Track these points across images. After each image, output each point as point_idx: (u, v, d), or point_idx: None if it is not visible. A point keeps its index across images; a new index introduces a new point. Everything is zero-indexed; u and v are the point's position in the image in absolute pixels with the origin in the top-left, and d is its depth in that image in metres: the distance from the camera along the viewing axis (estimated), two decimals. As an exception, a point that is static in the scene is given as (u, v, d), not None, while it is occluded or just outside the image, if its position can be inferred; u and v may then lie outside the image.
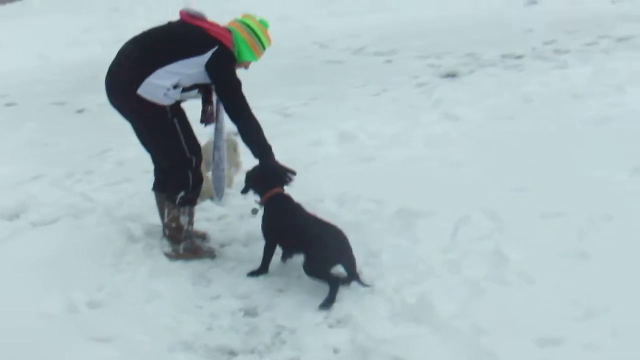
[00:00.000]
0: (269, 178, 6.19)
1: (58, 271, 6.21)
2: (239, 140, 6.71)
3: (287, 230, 6.06)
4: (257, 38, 6.38)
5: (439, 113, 9.26)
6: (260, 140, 6.20)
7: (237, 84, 6.20)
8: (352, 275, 5.74)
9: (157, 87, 6.03)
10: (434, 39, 13.31)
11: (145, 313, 5.68)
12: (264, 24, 6.46)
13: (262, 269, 6.17)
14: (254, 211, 6.27)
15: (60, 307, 5.73)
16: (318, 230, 5.88)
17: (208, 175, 7.29)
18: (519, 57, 11.92)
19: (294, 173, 6.24)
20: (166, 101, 6.11)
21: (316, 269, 5.74)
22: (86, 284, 6.03)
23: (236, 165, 7.83)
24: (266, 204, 6.16)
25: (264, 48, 6.48)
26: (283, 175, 6.20)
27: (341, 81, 11.34)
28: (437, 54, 12.46)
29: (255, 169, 6.25)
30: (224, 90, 6.24)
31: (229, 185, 7.58)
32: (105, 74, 6.36)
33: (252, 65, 6.62)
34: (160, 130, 6.27)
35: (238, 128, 6.23)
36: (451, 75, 11.30)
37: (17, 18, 19.54)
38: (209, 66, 6.10)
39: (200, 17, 6.34)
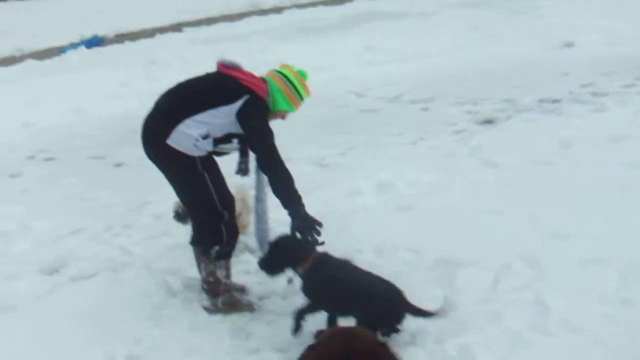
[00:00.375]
0: (299, 249, 6.00)
1: (97, 325, 6.29)
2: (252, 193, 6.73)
3: (337, 294, 5.78)
4: (294, 88, 6.39)
5: (476, 160, 9.21)
6: (291, 191, 6.15)
7: (269, 133, 6.17)
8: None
9: (186, 136, 6.04)
10: (470, 85, 13.27)
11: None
12: (302, 75, 6.49)
13: (298, 328, 5.93)
14: (290, 280, 6.18)
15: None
16: (373, 291, 5.64)
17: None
18: (556, 101, 11.84)
19: (320, 225, 6.12)
20: (196, 152, 6.12)
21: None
22: (125, 337, 6.09)
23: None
24: (307, 273, 5.92)
25: (301, 98, 6.49)
26: (311, 234, 6.05)
27: (378, 130, 11.32)
28: (473, 100, 12.43)
29: (278, 244, 6.03)
30: (254, 139, 6.23)
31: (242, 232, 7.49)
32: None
33: (290, 115, 6.62)
34: (190, 182, 6.27)
35: (268, 178, 6.20)
36: (488, 121, 11.24)
37: (55, 73, 19.76)
38: (239, 115, 6.11)
39: (235, 67, 6.37)
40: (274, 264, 6.02)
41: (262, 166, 6.31)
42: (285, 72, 6.47)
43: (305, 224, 6.08)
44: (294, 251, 5.97)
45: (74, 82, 17.84)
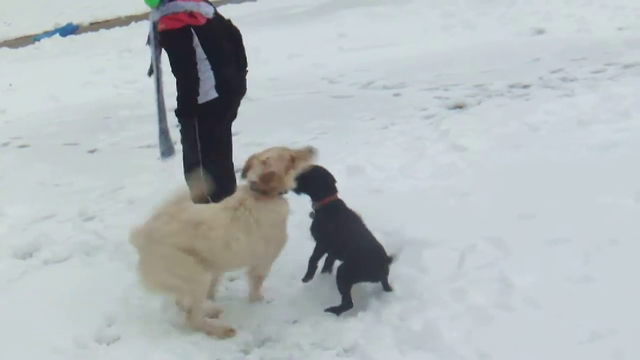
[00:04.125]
0: (324, 184, 6.51)
1: (70, 307, 6.37)
2: None
3: (336, 237, 6.23)
4: None
5: (446, 144, 9.29)
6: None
7: None
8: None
9: None
10: (441, 72, 13.38)
11: (157, 347, 5.76)
12: None
13: (309, 276, 6.38)
14: (311, 215, 6.51)
15: (72, 342, 5.88)
16: (361, 244, 6.08)
17: None
18: (526, 86, 11.96)
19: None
20: None
21: (343, 277, 5.96)
22: (97, 319, 6.16)
23: None
24: (320, 210, 6.42)
25: None
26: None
27: (350, 115, 11.41)
28: (444, 86, 12.53)
29: (314, 171, 6.44)
30: None
31: None
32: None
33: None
34: None
35: None
36: (459, 106, 11.35)
37: (29, 61, 19.81)
38: None
39: None
40: (300, 185, 6.34)
41: None
42: None
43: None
44: (319, 183, 6.47)
45: (48, 70, 17.90)
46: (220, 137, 6.99)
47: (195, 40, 6.52)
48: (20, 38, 26.95)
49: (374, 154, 9.27)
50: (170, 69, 6.71)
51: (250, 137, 10.33)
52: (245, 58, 7.12)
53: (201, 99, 6.66)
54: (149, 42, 6.86)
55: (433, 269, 6.26)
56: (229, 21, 7.04)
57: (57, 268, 7.34)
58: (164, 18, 6.48)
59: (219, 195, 6.41)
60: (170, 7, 6.53)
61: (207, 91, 6.66)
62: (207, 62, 6.61)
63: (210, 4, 6.81)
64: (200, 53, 6.59)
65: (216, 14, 6.78)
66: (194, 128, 6.73)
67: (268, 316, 6.09)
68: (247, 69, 7.22)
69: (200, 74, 6.62)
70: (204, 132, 6.76)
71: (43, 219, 8.66)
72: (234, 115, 7.22)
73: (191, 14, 6.49)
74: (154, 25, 6.63)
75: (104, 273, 7.03)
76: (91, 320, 6.17)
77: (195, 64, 6.53)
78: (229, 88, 6.77)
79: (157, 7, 6.63)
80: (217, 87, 6.66)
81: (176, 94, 6.75)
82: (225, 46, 6.86)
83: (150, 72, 6.95)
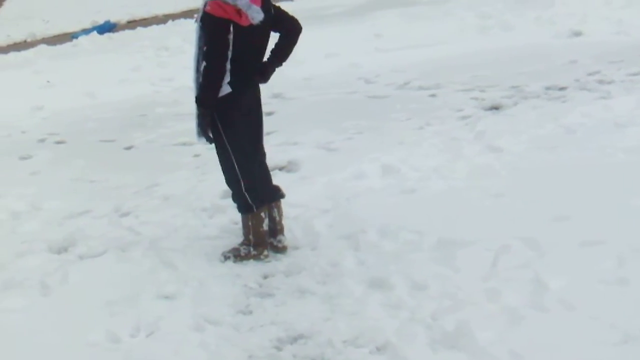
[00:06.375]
0: None
1: (104, 301, 6.43)
2: None
3: None
4: None
5: (481, 145, 9.28)
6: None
7: None
8: None
9: None
10: (478, 73, 13.31)
11: (190, 342, 5.81)
12: None
13: None
14: None
15: (105, 336, 5.95)
16: None
17: None
18: (563, 88, 11.88)
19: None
20: None
21: None
22: (130, 314, 6.22)
23: None
24: None
25: None
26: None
27: (385, 115, 11.40)
28: (481, 87, 12.48)
29: None
30: None
31: None
32: None
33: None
34: None
35: None
36: (495, 107, 11.29)
37: (67, 58, 19.96)
38: None
39: None
40: None
41: None
42: None
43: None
44: None
45: (86, 67, 18.03)
46: (243, 128, 6.94)
47: (230, 36, 6.52)
48: (58, 35, 27.14)
49: (409, 154, 9.26)
50: (198, 51, 6.70)
51: (285, 136, 10.38)
52: (288, 56, 7.04)
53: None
54: (196, 20, 6.89)
55: (467, 269, 6.27)
56: (292, 20, 6.96)
57: (92, 263, 7.37)
58: (213, 2, 6.48)
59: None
60: None
61: (223, 86, 6.67)
62: (230, 60, 6.61)
63: (267, 10, 6.73)
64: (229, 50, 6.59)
65: (265, 19, 6.69)
66: (216, 121, 6.74)
67: (301, 313, 6.11)
68: (276, 64, 7.12)
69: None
70: (226, 125, 6.76)
71: (78, 214, 8.70)
72: (256, 106, 7.19)
73: (239, 12, 6.47)
74: (204, 5, 6.61)
75: (139, 269, 7.07)
76: (125, 314, 6.24)
77: (227, 57, 6.54)
78: (242, 85, 6.74)
79: None
80: (231, 83, 6.65)
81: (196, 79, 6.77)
82: (257, 50, 6.85)
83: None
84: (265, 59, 6.90)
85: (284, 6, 6.89)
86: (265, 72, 6.90)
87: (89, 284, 6.87)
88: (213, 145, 6.86)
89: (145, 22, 27.35)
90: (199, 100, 6.62)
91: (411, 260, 6.56)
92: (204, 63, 6.51)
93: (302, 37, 6.89)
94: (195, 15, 6.86)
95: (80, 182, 9.89)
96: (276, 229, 7.21)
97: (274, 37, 6.82)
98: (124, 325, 6.08)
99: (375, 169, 8.84)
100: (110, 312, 6.30)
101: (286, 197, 7.41)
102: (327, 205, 7.90)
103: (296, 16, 6.94)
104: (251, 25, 6.51)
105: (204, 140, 6.77)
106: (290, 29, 6.90)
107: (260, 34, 6.71)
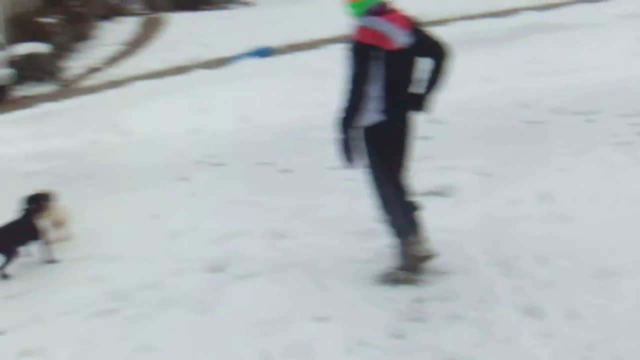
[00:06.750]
0: None
1: (257, 321, 6.58)
2: None
3: None
4: None
5: (641, 172, 9.10)
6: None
7: None
8: None
9: None
10: (636, 98, 13.03)
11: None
12: None
13: None
14: None
15: (257, 356, 6.07)
16: None
17: None
18: None
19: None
20: None
21: None
22: (284, 334, 6.33)
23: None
24: None
25: None
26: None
27: (541, 141, 11.23)
28: (639, 112, 12.22)
29: None
30: None
31: None
32: None
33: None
34: None
35: None
36: (654, 133, 11.05)
37: (224, 82, 20.35)
38: None
39: None
40: None
41: None
42: None
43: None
44: None
45: (242, 91, 18.34)
46: (392, 154, 6.99)
47: (378, 62, 6.59)
48: (216, 60, 27.74)
49: (565, 180, 9.13)
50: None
51: (441, 161, 10.37)
52: (441, 83, 7.05)
53: (366, 120, 6.75)
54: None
55: (624, 299, 6.15)
56: (441, 45, 6.98)
57: (247, 283, 7.51)
58: (361, 28, 6.61)
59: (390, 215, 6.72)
60: (371, 21, 6.61)
61: (373, 113, 6.72)
62: (380, 85, 6.67)
63: (413, 34, 6.82)
64: (377, 75, 6.65)
65: (411, 44, 6.76)
66: (365, 147, 6.83)
67: (453, 338, 6.08)
68: (432, 92, 7.13)
69: (370, 93, 6.71)
70: (375, 151, 6.83)
71: (235, 235, 8.86)
72: (404, 137, 7.17)
73: (384, 36, 6.58)
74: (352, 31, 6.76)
75: (293, 290, 7.18)
76: (278, 335, 6.34)
77: (367, 83, 6.61)
78: (393, 114, 6.79)
79: (361, 17, 6.74)
80: (384, 111, 6.71)
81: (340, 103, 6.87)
82: (407, 75, 6.89)
83: None
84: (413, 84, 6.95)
85: (438, 30, 6.92)
86: (421, 102, 6.95)
87: (244, 304, 7.02)
88: (365, 169, 6.94)
89: (302, 47, 27.70)
90: (338, 123, 6.76)
91: (566, 288, 6.48)
92: (346, 87, 6.66)
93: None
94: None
95: (236, 204, 10.08)
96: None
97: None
98: (276, 346, 6.18)
99: (531, 195, 8.74)
100: (263, 332, 6.42)
101: (440, 222, 7.41)
102: (481, 231, 7.86)
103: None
104: (398, 50, 6.60)
105: (345, 163, 6.87)
106: (439, 55, 6.93)
107: (407, 59, 6.78)
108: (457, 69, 7.00)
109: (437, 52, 6.91)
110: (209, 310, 6.99)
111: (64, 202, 9.42)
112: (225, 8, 52.55)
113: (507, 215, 8.27)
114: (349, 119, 6.68)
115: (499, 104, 13.78)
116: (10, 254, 8.40)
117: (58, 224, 9.15)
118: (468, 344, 5.96)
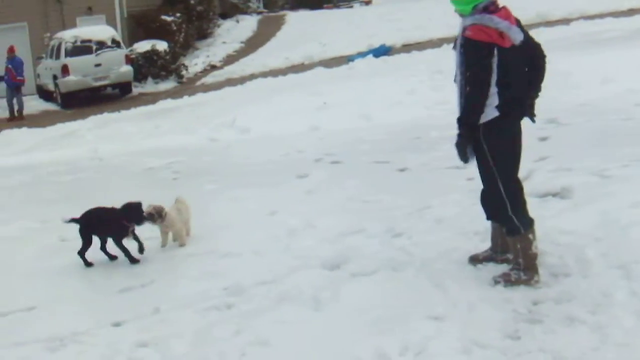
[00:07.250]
0: None
1: (373, 319, 6.62)
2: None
3: None
4: None
5: None
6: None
7: None
8: None
9: None
10: None
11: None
12: None
13: None
14: None
15: (373, 353, 6.11)
16: None
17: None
18: None
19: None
20: None
21: None
22: (399, 332, 6.35)
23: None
24: None
25: None
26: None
27: (664, 143, 11.04)
28: None
29: None
30: None
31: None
32: None
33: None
34: None
35: None
36: None
37: (342, 80, 20.46)
38: None
39: None
40: None
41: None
42: None
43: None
44: None
45: (361, 89, 18.41)
46: (510, 151, 6.97)
47: (495, 60, 6.58)
48: (335, 58, 27.94)
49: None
50: (461, 76, 6.81)
51: (559, 162, 10.25)
52: (540, 85, 7.06)
53: (483, 118, 6.73)
54: (455, 46, 7.01)
55: None
56: (537, 46, 7.03)
57: (363, 281, 7.56)
58: (473, 27, 6.59)
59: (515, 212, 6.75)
60: (484, 19, 6.59)
61: (490, 110, 6.70)
62: (497, 83, 6.65)
63: (522, 30, 6.82)
64: (494, 73, 6.63)
65: (524, 41, 6.77)
66: (482, 144, 6.82)
67: (570, 341, 6.01)
68: (539, 94, 7.15)
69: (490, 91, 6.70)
70: (493, 148, 6.82)
71: (351, 233, 8.93)
72: (520, 133, 7.14)
73: (501, 34, 6.56)
74: (463, 30, 6.75)
75: (409, 289, 7.20)
76: (393, 333, 6.37)
77: (490, 82, 6.60)
78: (510, 110, 6.76)
79: (470, 15, 6.74)
80: (499, 107, 6.68)
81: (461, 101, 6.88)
82: (521, 71, 6.86)
83: (455, 79, 7.09)
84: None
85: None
86: (532, 107, 7.01)
87: (360, 301, 7.07)
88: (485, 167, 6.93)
89: (420, 46, 27.68)
90: (461, 121, 6.77)
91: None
92: (468, 88, 6.64)
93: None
94: (455, 42, 6.99)
95: (354, 202, 10.16)
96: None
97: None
98: (392, 344, 6.21)
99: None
100: (379, 329, 6.46)
101: (558, 224, 7.34)
102: (600, 234, 7.75)
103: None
104: (513, 47, 6.58)
105: (464, 160, 6.88)
106: (540, 56, 6.95)
107: (521, 55, 6.75)
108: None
109: (539, 52, 6.90)
110: (325, 307, 7.07)
111: (184, 198, 9.61)
112: (347, 7, 52.68)
113: (627, 218, 8.09)
114: (472, 117, 6.67)
115: (620, 105, 13.52)
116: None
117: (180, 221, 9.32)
118: (584, 347, 5.89)
